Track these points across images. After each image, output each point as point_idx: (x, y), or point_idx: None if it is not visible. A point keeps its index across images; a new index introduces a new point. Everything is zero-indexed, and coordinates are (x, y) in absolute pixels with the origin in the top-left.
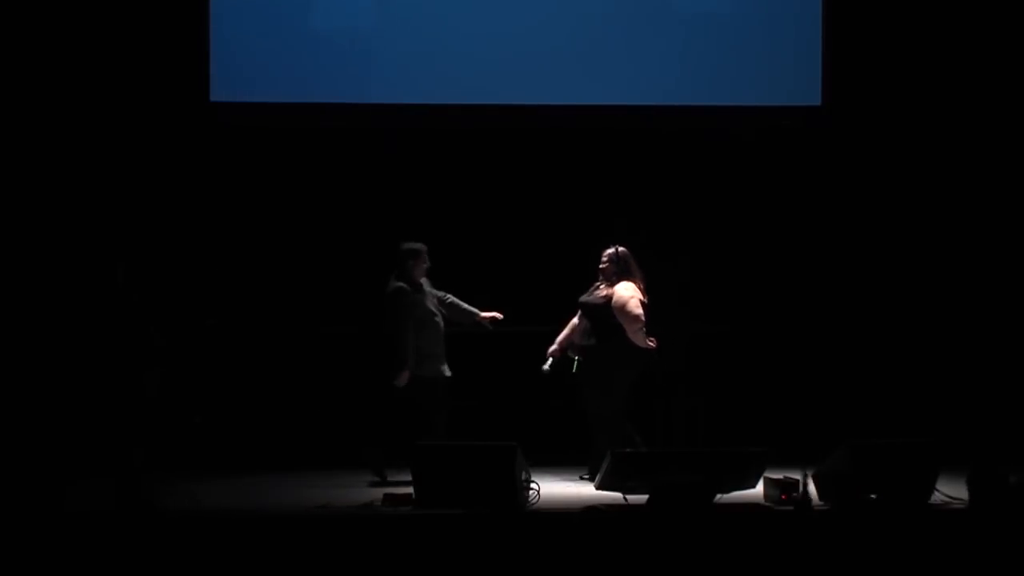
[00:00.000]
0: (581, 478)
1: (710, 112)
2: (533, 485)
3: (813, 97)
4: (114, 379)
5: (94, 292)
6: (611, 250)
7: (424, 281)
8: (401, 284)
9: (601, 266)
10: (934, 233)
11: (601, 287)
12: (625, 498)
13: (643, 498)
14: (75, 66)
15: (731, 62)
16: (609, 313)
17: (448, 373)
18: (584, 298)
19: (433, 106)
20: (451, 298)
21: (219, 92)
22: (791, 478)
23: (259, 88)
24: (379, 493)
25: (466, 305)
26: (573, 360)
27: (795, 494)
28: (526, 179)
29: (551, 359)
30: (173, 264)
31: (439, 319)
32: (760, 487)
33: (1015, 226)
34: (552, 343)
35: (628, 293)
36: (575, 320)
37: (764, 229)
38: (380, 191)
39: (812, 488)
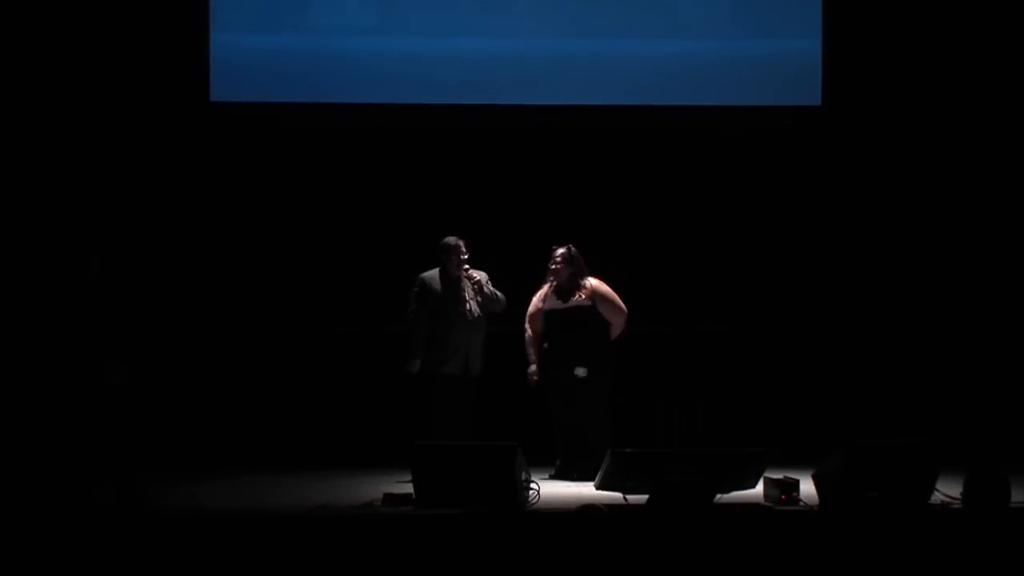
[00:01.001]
0: (551, 477)
1: (710, 112)
2: (533, 485)
3: (813, 97)
4: (81, 375)
5: (73, 289)
6: (563, 249)
7: (471, 274)
8: (422, 275)
9: (555, 266)
10: (934, 233)
11: (577, 292)
12: (625, 498)
13: (643, 498)
14: (75, 65)
15: (731, 62)
16: (594, 313)
17: (454, 372)
18: (559, 306)
19: (433, 106)
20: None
21: (219, 92)
22: (791, 478)
23: (259, 88)
24: (379, 493)
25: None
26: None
27: (795, 494)
28: (526, 179)
29: (581, 368)
30: (171, 264)
31: (462, 314)
32: (760, 487)
33: (1015, 226)
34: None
35: (609, 288)
36: (532, 333)
37: (764, 229)
38: (379, 191)
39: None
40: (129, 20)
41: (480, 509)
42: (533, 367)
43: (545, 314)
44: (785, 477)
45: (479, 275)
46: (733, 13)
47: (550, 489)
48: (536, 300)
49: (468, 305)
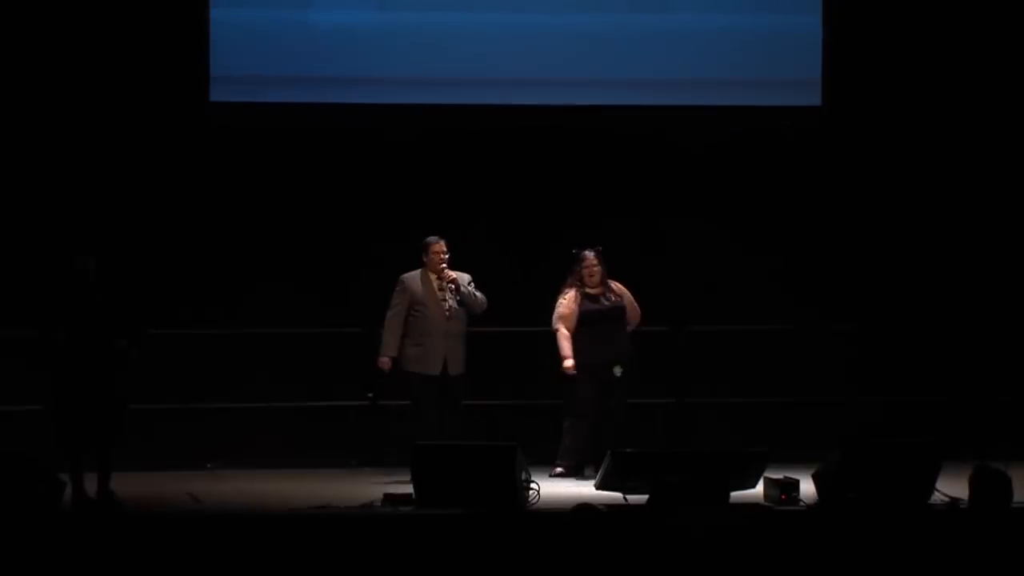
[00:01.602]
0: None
1: (710, 112)
2: (533, 485)
3: (813, 97)
4: (74, 376)
5: (66, 289)
6: (593, 252)
7: (448, 274)
8: (403, 275)
9: (595, 267)
10: (934, 232)
11: (608, 292)
12: (625, 498)
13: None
14: (75, 65)
15: (731, 62)
16: (624, 312)
17: (431, 371)
18: (596, 307)
19: (432, 106)
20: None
21: (219, 92)
22: (791, 478)
23: (259, 88)
24: (379, 493)
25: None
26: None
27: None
28: (525, 178)
29: (618, 367)
30: (167, 261)
31: (439, 314)
32: (760, 487)
33: (1015, 225)
34: (563, 359)
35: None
36: (566, 331)
37: (764, 229)
38: (378, 190)
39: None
40: (130, 20)
41: (480, 509)
42: (571, 361)
43: (583, 315)
44: (785, 477)
45: (457, 275)
46: (733, 13)
47: (550, 489)
48: (567, 302)
49: (445, 305)
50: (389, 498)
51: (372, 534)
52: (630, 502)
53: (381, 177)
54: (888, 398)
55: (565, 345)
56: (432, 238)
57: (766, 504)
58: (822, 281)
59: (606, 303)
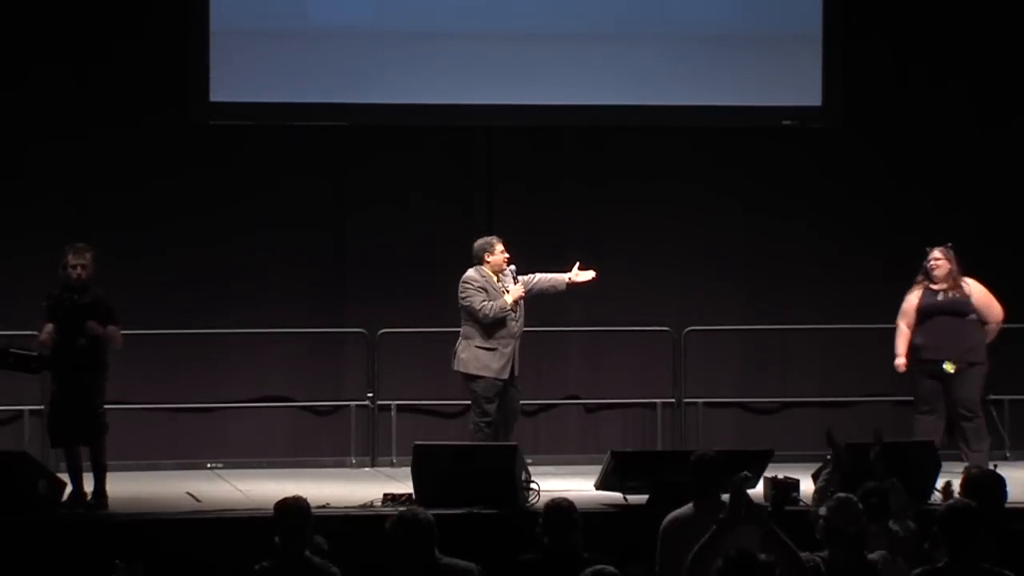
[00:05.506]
0: None
1: (710, 112)
2: (533, 485)
3: (813, 97)
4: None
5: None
6: (940, 248)
7: (524, 278)
8: (470, 272)
9: (939, 262)
10: (933, 232)
11: (954, 289)
12: (625, 498)
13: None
14: (73, 66)
15: (732, 62)
16: (969, 307)
17: (502, 376)
18: (935, 301)
19: (433, 106)
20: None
21: (219, 92)
22: (791, 478)
23: (259, 88)
24: (379, 493)
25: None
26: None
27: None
28: (526, 177)
29: (950, 364)
30: (171, 263)
31: (512, 315)
32: (760, 487)
33: (1015, 224)
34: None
35: (984, 289)
36: (905, 327)
37: (762, 229)
38: (379, 189)
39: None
40: (130, 19)
41: (480, 509)
42: (901, 360)
43: (921, 309)
44: (785, 477)
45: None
46: (733, 13)
47: (550, 489)
48: (909, 297)
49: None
50: (389, 498)
51: (372, 534)
52: (630, 502)
53: (381, 177)
54: (889, 398)
55: (899, 342)
56: (493, 238)
57: (766, 504)
58: (821, 281)
59: (942, 298)
